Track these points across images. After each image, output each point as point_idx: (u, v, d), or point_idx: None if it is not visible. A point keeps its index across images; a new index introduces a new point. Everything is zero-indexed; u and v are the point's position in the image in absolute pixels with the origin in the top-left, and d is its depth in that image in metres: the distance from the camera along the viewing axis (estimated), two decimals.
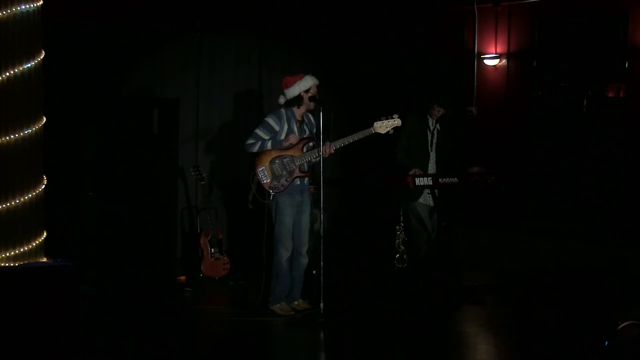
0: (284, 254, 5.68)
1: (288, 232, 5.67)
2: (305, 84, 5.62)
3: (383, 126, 5.57)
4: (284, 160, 5.60)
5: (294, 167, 5.60)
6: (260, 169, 5.59)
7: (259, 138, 5.63)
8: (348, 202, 8.41)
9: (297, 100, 5.63)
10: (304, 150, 5.64)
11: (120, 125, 6.68)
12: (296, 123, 5.69)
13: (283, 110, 5.68)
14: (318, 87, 5.67)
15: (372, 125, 5.57)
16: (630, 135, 7.75)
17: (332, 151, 5.54)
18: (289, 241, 5.69)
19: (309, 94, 5.61)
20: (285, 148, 5.60)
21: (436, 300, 6.24)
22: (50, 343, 4.39)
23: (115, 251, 6.46)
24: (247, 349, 5.07)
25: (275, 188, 5.58)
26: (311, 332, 5.42)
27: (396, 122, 5.58)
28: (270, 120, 5.65)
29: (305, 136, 5.71)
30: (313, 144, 5.66)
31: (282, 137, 5.63)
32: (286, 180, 5.59)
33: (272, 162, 5.59)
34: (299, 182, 5.66)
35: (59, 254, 4.70)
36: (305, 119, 5.77)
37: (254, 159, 5.64)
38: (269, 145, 5.59)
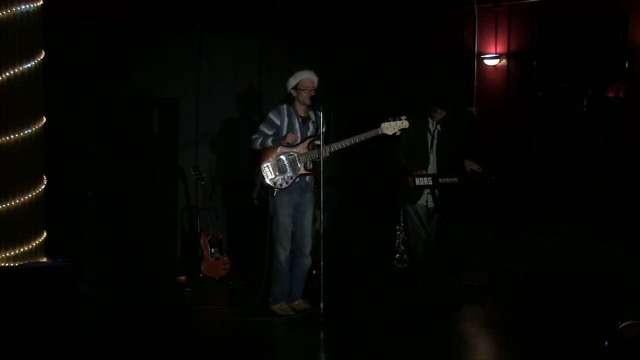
0: (282, 253, 5.68)
1: (285, 232, 5.67)
2: (293, 81, 5.66)
3: (390, 127, 5.58)
4: (289, 157, 5.60)
5: (299, 164, 5.61)
6: (265, 165, 5.59)
7: (262, 133, 5.66)
8: (348, 202, 8.41)
9: (290, 97, 5.67)
10: (310, 148, 5.64)
11: (120, 125, 6.68)
12: (298, 119, 5.69)
13: (284, 106, 5.71)
14: (317, 84, 5.67)
15: (379, 126, 5.59)
16: (630, 135, 7.75)
17: (327, 155, 5.55)
18: (287, 241, 5.69)
19: (301, 89, 5.61)
20: (288, 144, 5.61)
21: (436, 300, 6.24)
22: (50, 343, 4.39)
23: (115, 251, 6.45)
24: (247, 349, 5.07)
25: (279, 185, 5.58)
26: (311, 332, 5.42)
27: (404, 123, 5.59)
28: (271, 115, 5.70)
29: (309, 133, 5.72)
30: (318, 143, 5.65)
31: (284, 132, 5.65)
32: (291, 178, 5.59)
33: (277, 158, 5.60)
34: (298, 180, 5.66)
35: (59, 254, 4.70)
36: (312, 117, 5.76)
37: (259, 156, 5.65)
38: (269, 142, 5.60)
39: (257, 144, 5.64)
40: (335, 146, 5.58)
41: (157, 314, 5.74)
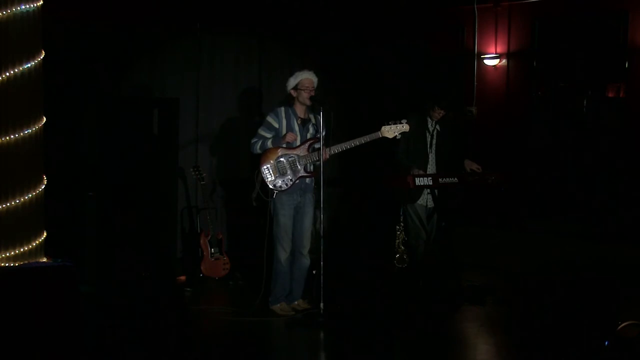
0: (283, 254, 5.69)
1: (285, 232, 5.67)
2: (293, 81, 5.67)
3: (391, 130, 5.61)
4: (289, 159, 5.60)
5: (299, 166, 5.61)
6: (265, 167, 5.59)
7: (260, 137, 5.67)
8: (348, 202, 8.41)
9: (290, 98, 5.67)
10: (310, 150, 5.64)
11: (120, 125, 6.68)
12: (297, 120, 5.70)
13: (282, 108, 5.71)
14: (316, 84, 5.67)
15: (379, 129, 5.60)
16: (630, 135, 7.75)
17: (327, 157, 5.55)
18: (287, 241, 5.69)
19: (301, 89, 5.62)
20: (288, 146, 5.61)
21: (436, 300, 6.24)
22: (51, 343, 4.38)
23: (115, 251, 6.46)
24: (247, 349, 5.07)
25: (279, 186, 5.58)
26: (311, 332, 5.42)
27: (404, 127, 5.62)
28: (269, 118, 5.70)
29: (309, 135, 5.72)
30: (317, 146, 5.65)
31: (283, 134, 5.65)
32: (290, 180, 5.59)
33: (277, 160, 5.60)
34: (298, 182, 5.66)
35: (59, 254, 4.70)
36: (312, 119, 5.77)
37: (259, 157, 5.66)
38: (269, 143, 5.61)
39: (257, 148, 5.65)
40: (335, 148, 5.59)
41: (157, 314, 5.75)
